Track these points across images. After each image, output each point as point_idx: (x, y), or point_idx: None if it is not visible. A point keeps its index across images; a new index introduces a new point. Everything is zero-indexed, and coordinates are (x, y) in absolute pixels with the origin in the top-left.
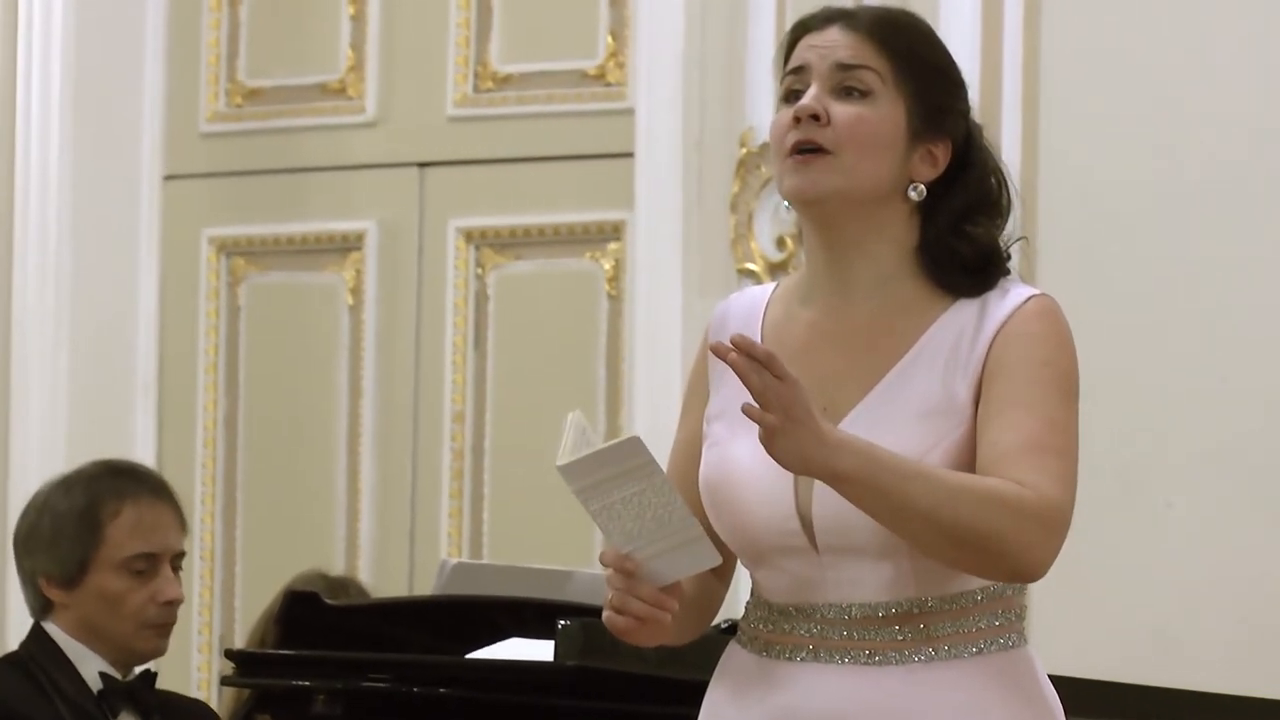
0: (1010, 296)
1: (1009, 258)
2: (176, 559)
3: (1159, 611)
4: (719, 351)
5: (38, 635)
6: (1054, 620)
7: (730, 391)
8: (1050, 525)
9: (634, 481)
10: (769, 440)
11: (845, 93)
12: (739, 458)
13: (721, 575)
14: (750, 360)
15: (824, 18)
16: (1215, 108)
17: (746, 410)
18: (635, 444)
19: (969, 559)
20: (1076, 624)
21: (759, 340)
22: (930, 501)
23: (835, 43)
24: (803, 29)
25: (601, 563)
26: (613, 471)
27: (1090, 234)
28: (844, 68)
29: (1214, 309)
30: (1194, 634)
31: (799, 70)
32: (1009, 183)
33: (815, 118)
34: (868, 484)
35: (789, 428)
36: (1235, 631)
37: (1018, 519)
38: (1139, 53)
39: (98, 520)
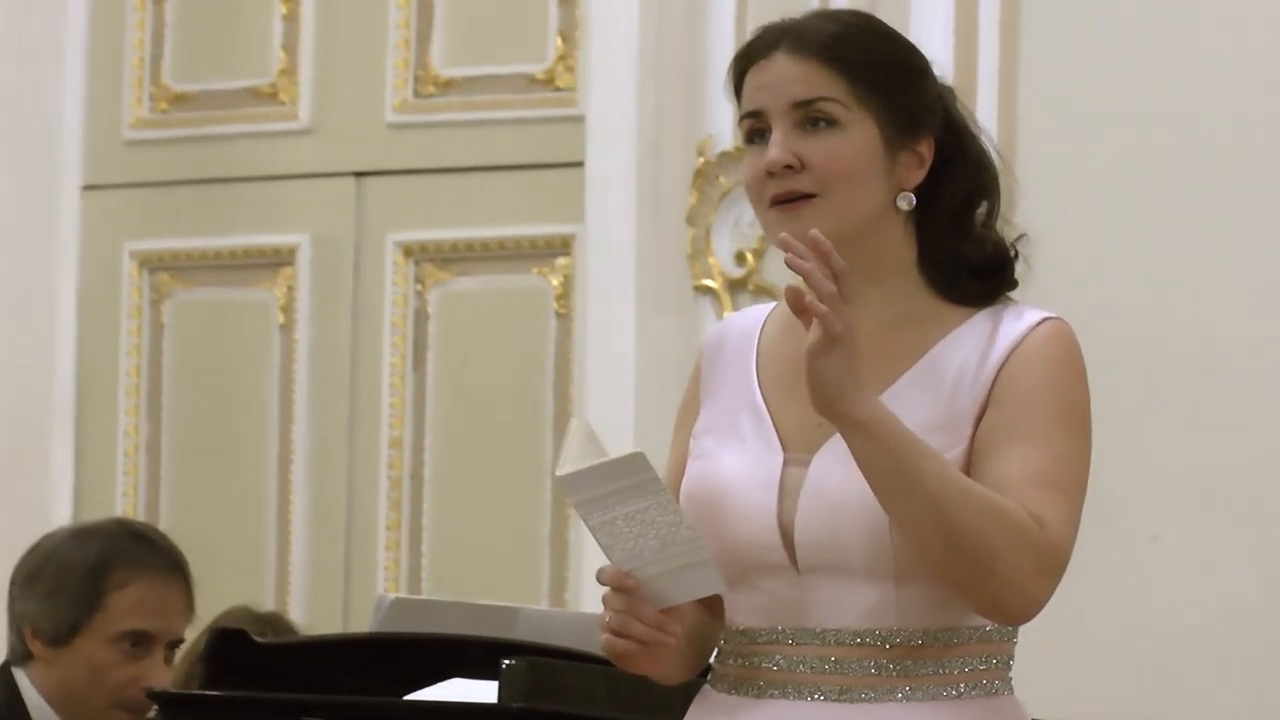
0: (1025, 318)
1: (1016, 256)
2: (174, 643)
3: (1144, 647)
4: (786, 245)
5: (4, 679)
6: (1035, 658)
7: (722, 404)
8: (1048, 565)
9: (638, 498)
10: (819, 349)
11: (811, 124)
12: (724, 467)
13: (717, 613)
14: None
15: (767, 43)
16: (1197, 117)
17: (811, 304)
18: (639, 459)
19: (957, 568)
20: (1058, 661)
21: (753, 363)
22: (940, 486)
23: (785, 77)
24: (747, 60)
25: (599, 581)
26: (615, 486)
27: (1069, 256)
28: (801, 104)
29: (1199, 337)
30: (1180, 670)
31: (756, 114)
32: (990, 145)
33: (790, 167)
34: (885, 443)
35: (840, 350)
36: (1222, 667)
37: (1019, 545)
38: (1118, 57)
39: (102, 586)
